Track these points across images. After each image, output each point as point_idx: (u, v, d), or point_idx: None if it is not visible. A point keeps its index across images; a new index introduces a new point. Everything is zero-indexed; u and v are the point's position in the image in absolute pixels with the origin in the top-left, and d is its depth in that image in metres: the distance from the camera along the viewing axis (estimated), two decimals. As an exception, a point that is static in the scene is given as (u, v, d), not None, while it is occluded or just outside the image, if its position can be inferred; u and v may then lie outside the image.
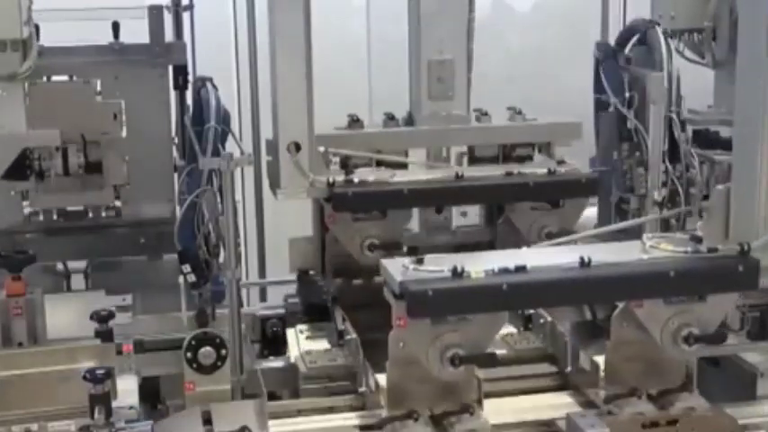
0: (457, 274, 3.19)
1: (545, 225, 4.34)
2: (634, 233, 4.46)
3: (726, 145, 4.32)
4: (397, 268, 3.28)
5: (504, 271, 3.24)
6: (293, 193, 4.13)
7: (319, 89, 4.16)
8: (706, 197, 4.35)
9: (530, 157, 4.59)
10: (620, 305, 3.51)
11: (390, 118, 4.58)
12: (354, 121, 4.53)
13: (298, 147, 4.06)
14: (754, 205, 3.38)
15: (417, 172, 4.43)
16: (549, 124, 4.60)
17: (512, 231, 4.46)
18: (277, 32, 4.12)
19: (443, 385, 3.39)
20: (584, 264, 3.29)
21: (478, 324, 3.30)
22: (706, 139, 4.33)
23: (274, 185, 4.20)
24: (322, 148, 4.32)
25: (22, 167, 4.12)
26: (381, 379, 3.48)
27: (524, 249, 3.68)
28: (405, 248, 4.24)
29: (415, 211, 4.56)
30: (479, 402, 3.48)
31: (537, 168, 4.40)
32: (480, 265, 3.25)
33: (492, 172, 4.40)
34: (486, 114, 4.60)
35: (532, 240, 4.24)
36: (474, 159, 4.61)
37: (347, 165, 4.39)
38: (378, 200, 4.22)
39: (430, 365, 3.27)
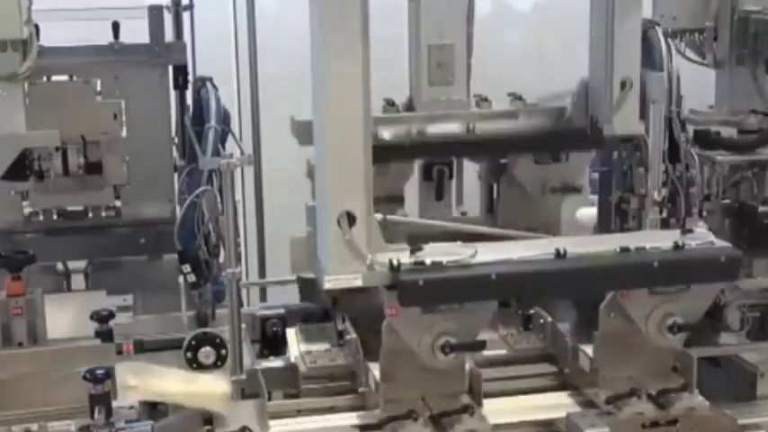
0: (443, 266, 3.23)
1: (548, 180, 4.28)
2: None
3: (727, 145, 4.32)
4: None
5: (495, 262, 3.30)
6: (346, 281, 3.29)
7: None
8: (707, 198, 4.36)
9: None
10: (608, 296, 3.57)
11: (390, 104, 4.55)
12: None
13: (352, 219, 3.24)
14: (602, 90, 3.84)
15: (505, 248, 3.56)
16: (548, 109, 4.54)
17: (515, 187, 4.39)
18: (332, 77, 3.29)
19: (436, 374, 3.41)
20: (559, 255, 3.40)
21: (469, 313, 3.33)
22: (707, 140, 4.33)
23: (319, 269, 3.38)
24: (379, 216, 3.46)
25: (22, 168, 4.12)
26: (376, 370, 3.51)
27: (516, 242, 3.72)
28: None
29: (415, 204, 4.52)
30: (479, 402, 3.48)
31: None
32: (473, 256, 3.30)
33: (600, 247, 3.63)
34: (486, 100, 4.58)
35: (536, 196, 4.19)
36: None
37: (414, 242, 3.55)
38: (458, 290, 3.35)
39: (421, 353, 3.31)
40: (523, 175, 4.32)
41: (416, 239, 3.54)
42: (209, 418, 3.49)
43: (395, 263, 3.23)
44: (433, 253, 3.30)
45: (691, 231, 3.56)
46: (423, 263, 3.26)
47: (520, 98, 4.60)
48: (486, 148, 4.22)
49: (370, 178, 3.25)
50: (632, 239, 3.51)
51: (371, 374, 3.58)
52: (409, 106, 4.58)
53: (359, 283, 3.24)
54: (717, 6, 4.58)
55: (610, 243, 3.50)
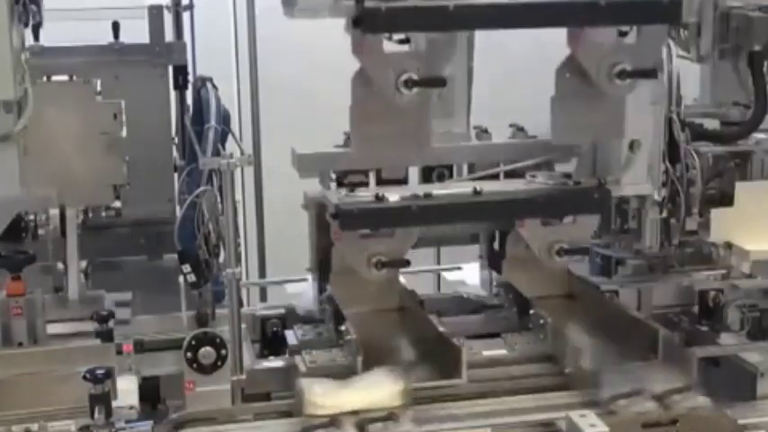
0: (378, 198, 3.84)
1: (557, 240, 4.25)
2: (634, 234, 4.49)
3: (710, 137, 4.39)
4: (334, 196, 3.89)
5: (415, 197, 3.88)
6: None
7: (315, 106, 4.00)
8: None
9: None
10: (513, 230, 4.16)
11: None
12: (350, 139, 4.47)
13: None
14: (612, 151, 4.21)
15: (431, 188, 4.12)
16: (549, 141, 4.50)
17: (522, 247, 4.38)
18: None
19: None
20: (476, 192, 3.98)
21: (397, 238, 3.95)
22: (691, 132, 4.37)
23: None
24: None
25: (17, 230, 4.05)
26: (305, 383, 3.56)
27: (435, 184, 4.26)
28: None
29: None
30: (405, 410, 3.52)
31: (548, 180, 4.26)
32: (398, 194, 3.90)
33: (505, 187, 4.23)
34: (486, 132, 4.57)
35: (543, 257, 4.20)
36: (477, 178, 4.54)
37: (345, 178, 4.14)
38: (387, 217, 3.94)
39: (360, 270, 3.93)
40: (531, 237, 4.27)
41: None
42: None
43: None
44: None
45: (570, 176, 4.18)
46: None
47: (521, 129, 4.57)
48: (494, 211, 4.20)
49: None
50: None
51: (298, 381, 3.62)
52: None
53: (325, 13, 3.65)
54: (700, 3, 4.61)
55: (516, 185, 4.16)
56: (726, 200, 4.32)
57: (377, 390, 3.52)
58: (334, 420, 3.44)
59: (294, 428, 3.49)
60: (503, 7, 3.74)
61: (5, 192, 3.66)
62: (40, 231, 4.36)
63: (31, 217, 4.34)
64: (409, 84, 3.73)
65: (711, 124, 4.48)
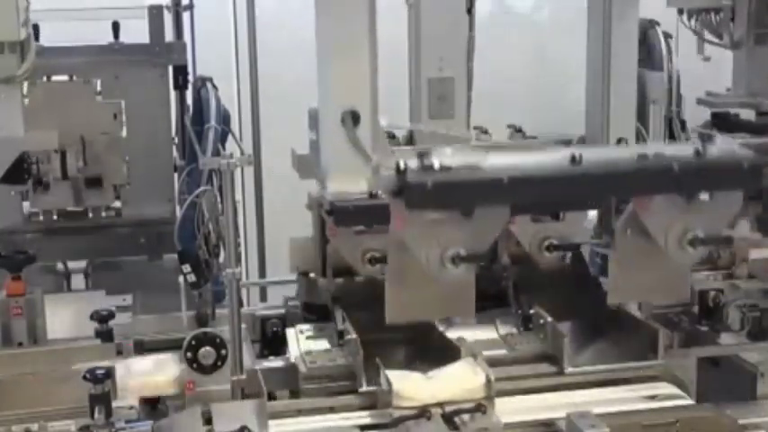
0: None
1: (547, 237, 4.25)
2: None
3: (747, 128, 4.25)
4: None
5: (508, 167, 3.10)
6: (350, 184, 3.15)
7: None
8: None
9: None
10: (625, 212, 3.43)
11: (391, 137, 4.54)
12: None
13: (356, 117, 3.12)
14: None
15: (518, 154, 3.30)
16: (548, 142, 4.51)
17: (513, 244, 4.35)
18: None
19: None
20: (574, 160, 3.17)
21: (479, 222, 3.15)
22: (726, 123, 4.23)
23: (320, 173, 3.23)
24: (384, 121, 3.35)
25: (20, 171, 4.09)
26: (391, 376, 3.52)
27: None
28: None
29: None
30: (491, 401, 3.50)
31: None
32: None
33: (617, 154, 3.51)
34: (486, 133, 4.58)
35: (533, 253, 4.19)
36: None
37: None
38: (469, 194, 3.13)
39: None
40: (521, 233, 4.27)
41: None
42: (209, 418, 3.49)
43: (401, 166, 2.97)
44: (442, 156, 3.04)
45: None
46: (431, 166, 3.00)
47: (519, 130, 4.59)
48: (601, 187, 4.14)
49: (376, 75, 3.05)
50: (650, 148, 3.31)
51: (383, 374, 3.58)
52: (409, 139, 4.57)
53: (363, 187, 3.07)
54: None
55: (627, 151, 3.32)
56: (763, 194, 4.13)
57: (463, 381, 3.51)
58: (423, 412, 3.42)
59: (382, 420, 3.49)
60: (564, 179, 3.16)
61: (9, 132, 3.71)
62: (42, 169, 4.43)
63: (34, 159, 4.37)
64: (456, 260, 3.13)
65: (747, 115, 4.37)
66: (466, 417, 3.44)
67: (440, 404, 3.48)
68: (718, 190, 3.28)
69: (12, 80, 3.67)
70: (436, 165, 3.00)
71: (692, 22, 4.59)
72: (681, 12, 4.41)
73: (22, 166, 4.02)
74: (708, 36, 4.71)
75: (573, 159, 3.11)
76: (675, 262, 3.39)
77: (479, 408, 3.46)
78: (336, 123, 3.00)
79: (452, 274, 3.10)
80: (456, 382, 3.52)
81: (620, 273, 3.43)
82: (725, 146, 3.28)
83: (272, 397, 3.89)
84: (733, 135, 4.21)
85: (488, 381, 3.50)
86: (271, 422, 3.51)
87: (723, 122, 4.24)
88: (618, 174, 3.18)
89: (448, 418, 3.43)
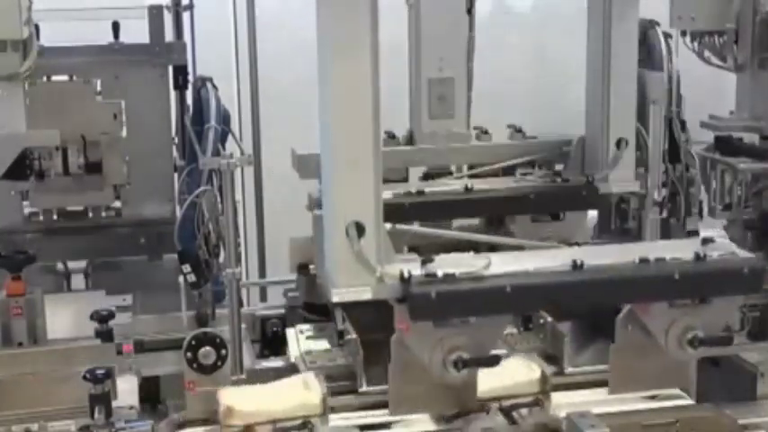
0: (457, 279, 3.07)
1: (547, 237, 4.25)
2: (634, 234, 4.49)
3: (750, 152, 4.23)
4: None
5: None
6: (355, 294, 3.09)
7: (315, 107, 3.70)
8: (728, 207, 4.29)
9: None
10: (625, 309, 3.42)
11: (391, 137, 4.54)
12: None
13: (361, 229, 3.06)
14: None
15: (519, 258, 3.34)
16: (548, 142, 4.52)
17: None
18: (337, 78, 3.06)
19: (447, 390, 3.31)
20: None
21: (481, 327, 3.18)
22: (729, 147, 4.21)
23: (326, 280, 3.21)
24: (388, 226, 3.27)
25: (22, 167, 4.10)
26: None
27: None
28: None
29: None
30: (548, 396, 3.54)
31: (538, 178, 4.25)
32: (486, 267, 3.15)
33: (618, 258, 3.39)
34: (486, 133, 4.58)
35: None
36: (474, 176, 4.54)
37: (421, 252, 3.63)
38: (473, 303, 3.15)
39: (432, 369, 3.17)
40: (521, 233, 4.27)
41: (420, 249, 3.61)
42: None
43: (405, 274, 3.05)
44: (445, 264, 3.12)
45: (712, 241, 3.37)
46: (434, 274, 3.07)
47: (519, 130, 4.59)
48: (484, 208, 4.21)
49: (380, 186, 3.08)
50: (651, 250, 3.36)
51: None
52: (410, 139, 4.57)
53: (368, 296, 3.07)
54: (738, 7, 4.44)
55: (628, 254, 3.31)
56: (765, 220, 4.14)
57: (519, 376, 3.54)
58: (482, 406, 3.44)
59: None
60: (565, 287, 3.19)
61: (11, 129, 3.73)
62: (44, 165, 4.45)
63: (36, 155, 4.41)
64: (459, 365, 3.11)
65: (750, 138, 4.35)
66: (524, 411, 3.48)
67: (497, 398, 3.50)
68: (719, 296, 3.28)
69: (14, 78, 3.68)
70: (440, 273, 3.05)
71: (695, 44, 4.57)
72: (684, 34, 4.39)
73: (24, 162, 4.04)
74: (711, 58, 4.69)
75: (575, 266, 3.18)
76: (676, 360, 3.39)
77: (537, 402, 3.49)
78: (341, 234, 3.05)
79: (455, 377, 3.13)
80: (512, 376, 3.53)
81: (621, 365, 3.42)
82: (724, 248, 3.33)
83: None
84: (736, 159, 4.23)
85: (544, 375, 3.52)
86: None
87: (726, 146, 4.22)
88: (619, 280, 3.22)
89: (506, 412, 3.47)
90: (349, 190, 3.06)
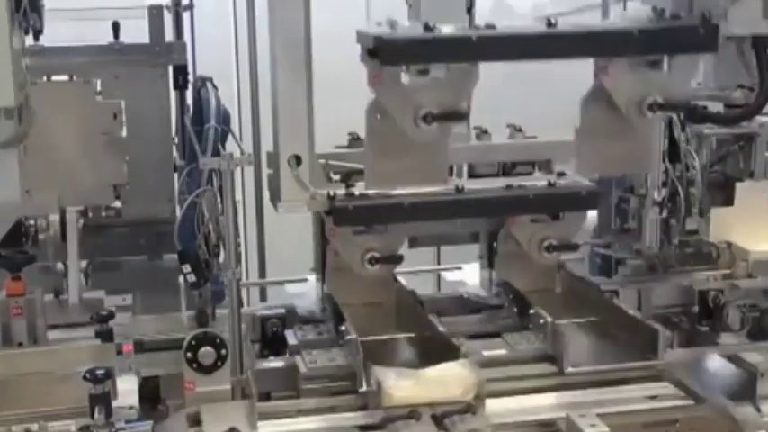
0: (428, 28, 3.65)
1: (546, 237, 4.25)
2: (634, 234, 4.49)
3: (714, 119, 4.35)
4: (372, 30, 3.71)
5: (475, 28, 3.78)
6: (293, 207, 3.96)
7: (315, 107, 3.99)
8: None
9: (530, 174, 4.53)
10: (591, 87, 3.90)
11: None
12: (354, 140, 4.47)
13: (298, 160, 3.87)
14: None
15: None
16: (548, 143, 4.52)
17: (512, 244, 4.39)
18: (277, 41, 3.83)
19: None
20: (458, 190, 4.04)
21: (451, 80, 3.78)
22: (695, 114, 4.34)
23: (275, 198, 4.07)
24: (323, 161, 4.23)
25: (18, 235, 4.03)
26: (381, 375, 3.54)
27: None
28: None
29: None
30: (482, 401, 3.50)
31: (537, 181, 4.31)
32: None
33: (492, 185, 4.25)
34: (486, 132, 4.57)
35: (533, 253, 4.20)
36: (474, 176, 4.54)
37: (348, 180, 4.19)
38: (378, 214, 4.04)
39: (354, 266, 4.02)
40: (520, 233, 4.27)
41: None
42: (197, 419, 3.49)
43: (331, 194, 3.91)
44: (363, 188, 4.01)
45: (564, 174, 4.13)
46: (353, 194, 3.95)
47: (519, 130, 4.57)
48: (480, 209, 4.22)
49: (313, 128, 3.88)
50: (515, 181, 4.17)
51: (373, 374, 3.59)
52: None
53: (304, 208, 3.95)
54: None
55: (498, 184, 4.17)
56: (729, 183, 4.32)
57: (452, 382, 3.54)
58: (412, 412, 3.44)
59: (372, 420, 3.51)
60: (528, 38, 3.69)
61: (6, 198, 3.61)
62: (41, 236, 4.37)
63: (32, 222, 4.34)
64: (428, 119, 3.68)
65: (715, 107, 4.41)
66: (456, 418, 3.44)
67: (430, 404, 3.49)
68: (565, 211, 4.12)
69: (8, 145, 3.53)
70: (356, 193, 3.97)
71: None
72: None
73: (19, 230, 3.96)
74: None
75: (456, 189, 4.02)
76: (639, 133, 3.92)
77: (469, 408, 3.46)
78: (285, 164, 3.87)
79: (371, 271, 4.00)
80: (446, 382, 3.53)
81: (585, 145, 3.95)
82: (572, 179, 4.14)
83: (272, 397, 3.89)
84: (702, 126, 4.38)
85: (478, 381, 3.52)
86: (270, 422, 3.52)
87: (693, 114, 4.32)
88: (491, 199, 4.05)
89: (438, 420, 3.44)
90: (290, 131, 3.88)
